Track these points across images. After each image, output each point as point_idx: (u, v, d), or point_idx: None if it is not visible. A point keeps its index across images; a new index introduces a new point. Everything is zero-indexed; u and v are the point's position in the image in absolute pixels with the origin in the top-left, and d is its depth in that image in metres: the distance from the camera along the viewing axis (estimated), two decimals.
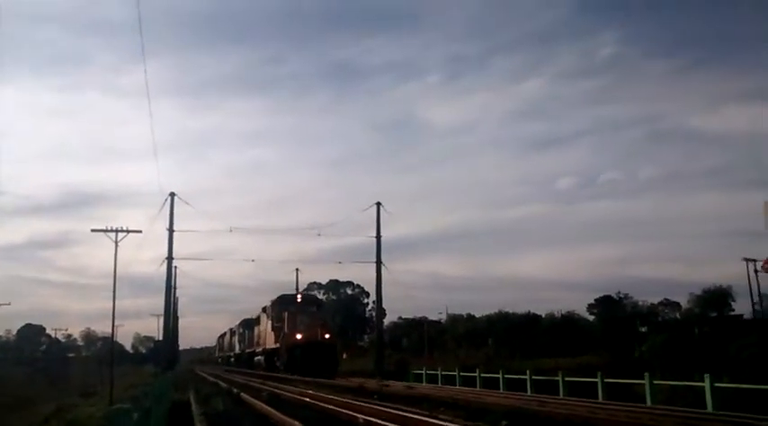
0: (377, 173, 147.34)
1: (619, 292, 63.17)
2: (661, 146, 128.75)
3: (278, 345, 37.87)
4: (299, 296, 42.66)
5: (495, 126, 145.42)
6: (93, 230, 34.56)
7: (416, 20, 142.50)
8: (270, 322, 40.55)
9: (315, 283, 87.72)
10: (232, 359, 66.15)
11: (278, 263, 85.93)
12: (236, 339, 64.22)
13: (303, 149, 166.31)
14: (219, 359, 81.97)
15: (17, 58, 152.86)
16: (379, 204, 46.29)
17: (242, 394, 19.52)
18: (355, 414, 11.70)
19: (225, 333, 77.45)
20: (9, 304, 74.60)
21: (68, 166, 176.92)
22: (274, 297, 44.39)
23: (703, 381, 14.02)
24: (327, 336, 35.19)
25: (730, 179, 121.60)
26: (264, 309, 44.20)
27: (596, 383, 17.50)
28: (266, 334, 42.35)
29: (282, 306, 39.35)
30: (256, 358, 47.35)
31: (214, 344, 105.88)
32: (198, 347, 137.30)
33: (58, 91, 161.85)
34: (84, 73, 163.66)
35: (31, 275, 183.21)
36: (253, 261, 55.73)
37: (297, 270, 60.17)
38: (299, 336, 34.48)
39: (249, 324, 54.22)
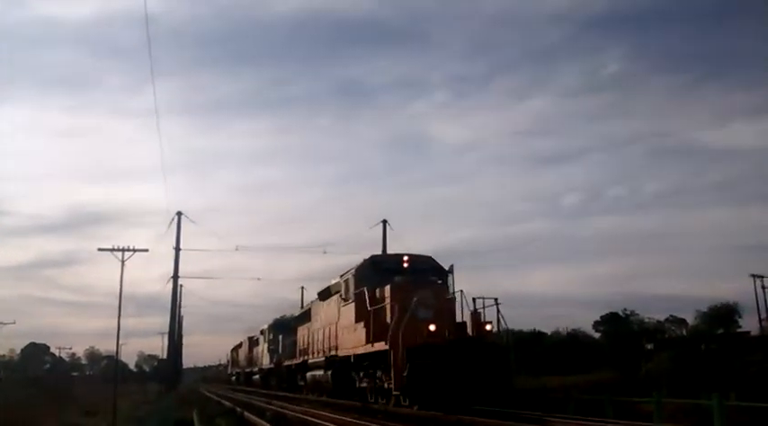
0: (383, 190, 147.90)
1: (625, 309, 62.74)
2: (667, 162, 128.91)
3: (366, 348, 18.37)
4: (404, 258, 19.27)
5: (501, 143, 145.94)
6: (99, 249, 34.50)
7: (422, 39, 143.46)
8: (351, 306, 20.34)
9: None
10: (255, 376, 48.02)
11: (284, 281, 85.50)
12: (260, 349, 46.08)
13: (310, 168, 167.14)
14: (234, 377, 66.36)
15: (27, 79, 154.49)
16: (385, 222, 46.12)
17: None
18: None
19: (240, 344, 61.34)
20: (14, 322, 74.75)
21: (76, 186, 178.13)
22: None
23: (710, 399, 13.93)
24: (488, 327, 17.38)
25: (737, 194, 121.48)
26: (326, 292, 24.77)
27: (602, 401, 17.36)
28: (339, 332, 22.11)
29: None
30: (311, 374, 26.99)
31: (219, 362, 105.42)
32: (202, 365, 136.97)
33: (66, 111, 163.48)
34: (93, 94, 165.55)
35: (36, 294, 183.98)
36: (259, 279, 55.78)
37: (302, 288, 59.67)
38: (432, 327, 16.36)
39: (286, 325, 36.77)
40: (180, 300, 53.22)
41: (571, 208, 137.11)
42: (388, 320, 17.09)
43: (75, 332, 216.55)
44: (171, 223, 46.64)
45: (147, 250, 35.20)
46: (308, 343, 27.93)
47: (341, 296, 21.78)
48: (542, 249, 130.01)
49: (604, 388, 19.46)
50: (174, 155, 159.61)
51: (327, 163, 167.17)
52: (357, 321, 19.29)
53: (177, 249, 46.60)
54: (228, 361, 78.41)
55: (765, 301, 48.66)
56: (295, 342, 31.42)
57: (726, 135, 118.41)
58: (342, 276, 21.81)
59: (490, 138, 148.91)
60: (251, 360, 51.66)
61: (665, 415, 14.47)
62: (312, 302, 28.96)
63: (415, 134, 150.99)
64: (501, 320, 17.37)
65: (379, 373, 18.14)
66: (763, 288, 47.79)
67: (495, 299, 17.46)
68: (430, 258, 19.95)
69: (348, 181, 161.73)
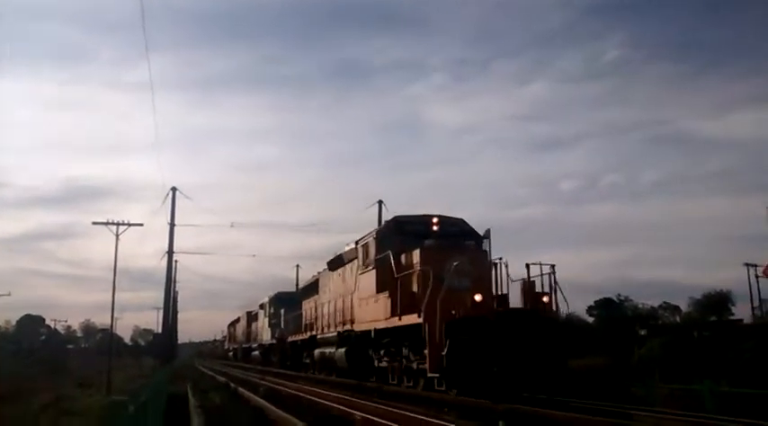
0: (380, 172, 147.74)
1: (619, 294, 63.09)
2: (664, 150, 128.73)
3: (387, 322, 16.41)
4: (434, 220, 16.91)
5: (500, 127, 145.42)
6: (93, 223, 34.56)
7: (422, 21, 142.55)
8: (371, 274, 17.83)
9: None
10: (255, 352, 46.99)
11: (279, 259, 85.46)
12: (260, 324, 44.69)
13: (305, 147, 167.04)
14: (231, 353, 66.68)
15: (22, 52, 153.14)
16: (380, 202, 45.78)
17: None
18: (351, 411, 11.51)
19: (238, 319, 60.21)
20: (9, 294, 74.93)
21: (72, 159, 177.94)
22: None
23: (701, 385, 14.01)
24: (545, 299, 14.63)
25: (733, 183, 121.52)
26: (338, 260, 22.19)
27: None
28: (355, 304, 19.55)
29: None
30: (319, 351, 24.44)
31: (214, 338, 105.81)
32: (197, 341, 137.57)
33: (62, 84, 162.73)
34: (88, 67, 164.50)
35: (32, 266, 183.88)
36: (254, 256, 55.40)
37: (297, 266, 59.73)
38: (478, 297, 14.16)
39: (289, 299, 36.40)
40: (175, 275, 53.33)
41: (569, 194, 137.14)
42: (416, 289, 14.90)
43: (71, 304, 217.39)
44: (165, 198, 46.53)
45: (141, 224, 35.26)
46: (316, 317, 25.66)
47: (358, 263, 19.16)
48: (539, 234, 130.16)
49: (598, 373, 19.55)
50: (168, 130, 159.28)
51: (323, 142, 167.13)
52: (379, 291, 16.83)
53: (172, 224, 46.54)
54: (225, 337, 77.50)
55: (759, 290, 48.87)
56: (300, 317, 29.50)
57: (724, 124, 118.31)
58: (358, 241, 19.28)
59: (489, 122, 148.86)
60: (249, 336, 51.00)
61: (658, 400, 14.55)
62: (320, 273, 26.47)
63: (413, 116, 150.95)
64: (559, 291, 14.45)
65: (405, 351, 15.85)
66: (757, 277, 47.95)
67: (552, 266, 14.38)
68: (462, 220, 17.44)
69: (344, 162, 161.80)
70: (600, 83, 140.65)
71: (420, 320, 14.00)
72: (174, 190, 46.51)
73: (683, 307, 62.89)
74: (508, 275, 15.39)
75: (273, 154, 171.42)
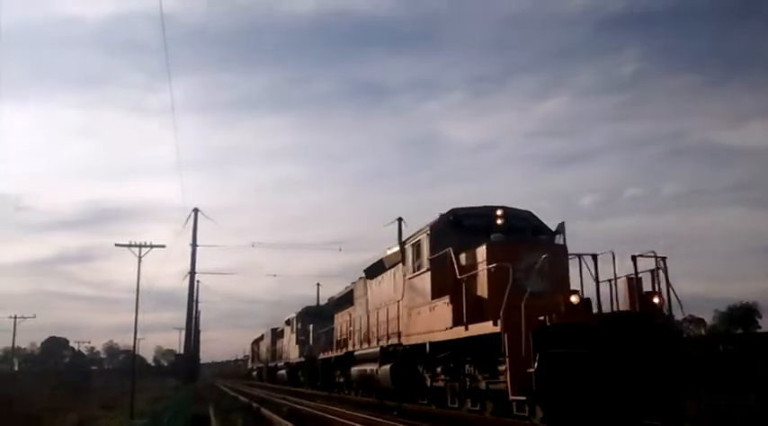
0: (399, 189, 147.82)
1: None
2: (684, 162, 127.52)
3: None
4: (498, 212, 14.34)
5: (518, 143, 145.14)
6: (116, 245, 34.80)
7: (439, 40, 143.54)
8: (425, 277, 15.18)
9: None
10: (281, 371, 44.15)
11: (300, 278, 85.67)
12: (285, 341, 42.74)
13: (327, 166, 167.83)
14: (255, 372, 63.69)
15: (47, 78, 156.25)
16: (400, 219, 45.74)
17: None
18: None
19: (262, 337, 57.58)
20: (34, 316, 75.38)
21: (95, 183, 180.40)
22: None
23: (729, 399, 13.76)
24: (656, 300, 11.39)
25: (754, 195, 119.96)
26: (378, 266, 19.99)
27: None
28: (402, 313, 17.13)
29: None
30: (357, 369, 21.88)
31: (236, 358, 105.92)
32: (219, 361, 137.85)
33: (85, 109, 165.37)
34: (111, 92, 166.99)
35: (55, 289, 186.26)
36: (275, 276, 55.78)
37: (318, 284, 59.72)
38: (575, 299, 10.97)
39: (319, 313, 34.54)
40: (197, 296, 53.58)
41: (589, 209, 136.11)
42: (482, 293, 12.57)
43: (95, 326, 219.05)
44: (188, 219, 46.99)
45: (164, 246, 35.41)
46: (352, 332, 23.12)
47: (405, 267, 16.50)
48: None
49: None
50: (191, 152, 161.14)
51: (343, 162, 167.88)
52: (435, 296, 14.12)
53: (194, 245, 46.99)
54: (248, 355, 75.54)
55: None
56: (332, 332, 27.28)
57: (742, 135, 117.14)
58: (406, 241, 16.68)
59: (506, 138, 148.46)
60: (275, 354, 49.76)
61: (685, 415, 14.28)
62: (354, 283, 23.84)
63: (431, 133, 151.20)
64: (671, 292, 11.18)
65: (469, 368, 13.19)
66: None
67: (663, 259, 11.26)
68: (530, 213, 14.85)
69: (364, 180, 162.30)
70: (617, 96, 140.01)
71: (497, 329, 10.92)
72: (195, 211, 47.05)
73: (708, 320, 61.93)
74: (596, 274, 12.13)
75: (294, 174, 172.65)
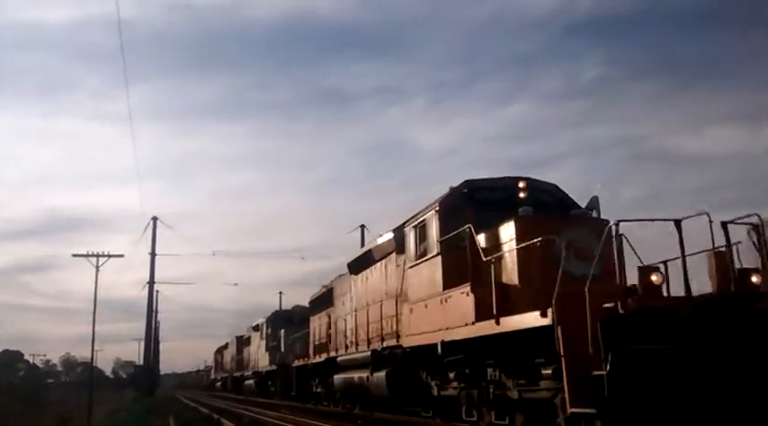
0: (362, 196, 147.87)
1: None
2: (644, 166, 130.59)
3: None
4: (520, 185, 12.09)
5: (482, 148, 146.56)
6: (73, 255, 34.27)
7: (404, 46, 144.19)
8: (435, 263, 12.22)
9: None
10: (248, 381, 41.97)
11: (262, 286, 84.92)
12: (253, 348, 40.69)
13: (288, 173, 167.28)
14: (219, 383, 60.46)
15: (3, 84, 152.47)
16: (363, 227, 45.81)
17: None
18: None
19: (226, 345, 55.15)
20: None
21: (52, 191, 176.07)
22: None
23: None
24: (755, 280, 8.44)
25: (711, 200, 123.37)
26: (364, 258, 17.69)
27: None
28: (400, 309, 14.29)
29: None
30: (342, 376, 19.04)
31: (197, 368, 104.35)
32: (180, 372, 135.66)
33: (43, 116, 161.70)
34: (69, 98, 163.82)
35: (10, 300, 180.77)
36: (236, 285, 55.36)
37: (280, 293, 59.37)
38: (656, 278, 8.15)
39: (290, 318, 33.62)
40: (156, 306, 52.85)
41: None
42: (508, 280, 10.41)
43: (51, 338, 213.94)
44: (146, 228, 46.37)
45: (122, 255, 35.02)
46: (332, 335, 20.82)
47: (406, 255, 13.78)
48: None
49: None
50: (150, 159, 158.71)
51: (305, 168, 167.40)
52: (449, 285, 11.44)
53: (153, 254, 46.47)
54: (211, 365, 72.81)
55: None
56: (307, 336, 24.74)
57: (701, 141, 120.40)
58: (405, 224, 13.83)
59: (471, 144, 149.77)
60: (241, 363, 47.00)
61: None
62: (334, 281, 21.55)
63: (395, 139, 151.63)
64: None
65: (493, 372, 10.74)
66: None
67: (758, 227, 8.68)
68: (556, 187, 12.67)
69: (326, 187, 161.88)
70: (579, 102, 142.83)
71: (546, 321, 8.37)
72: (154, 219, 46.48)
73: None
74: (682, 243, 8.85)
75: (255, 180, 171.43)
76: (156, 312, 55.63)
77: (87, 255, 33.62)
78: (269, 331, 35.85)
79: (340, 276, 20.37)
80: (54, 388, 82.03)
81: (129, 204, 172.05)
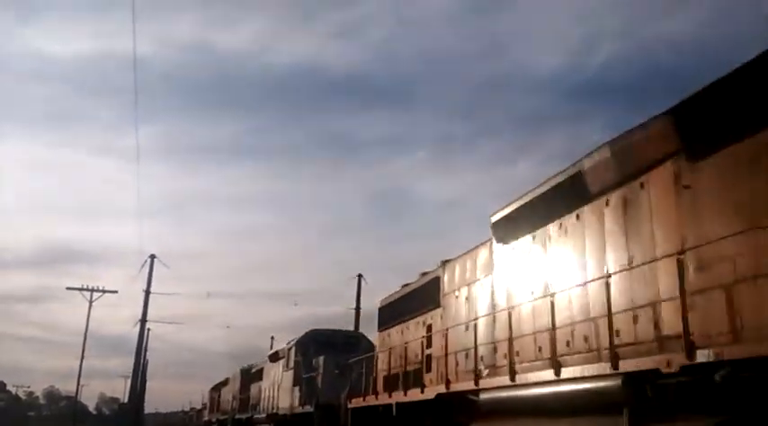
0: (362, 243, 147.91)
1: None
2: None
3: None
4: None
5: (485, 203, 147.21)
6: (67, 288, 34.19)
7: (410, 98, 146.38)
8: None
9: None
10: None
11: (255, 329, 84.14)
12: (269, 384, 28.63)
13: (289, 217, 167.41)
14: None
15: (11, 112, 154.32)
16: (360, 276, 46.00)
17: None
18: None
19: (226, 381, 44.39)
20: None
21: (51, 222, 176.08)
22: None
23: None
24: None
25: None
26: None
27: None
28: None
29: None
30: None
31: (182, 408, 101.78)
32: (164, 412, 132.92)
33: (49, 146, 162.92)
34: (76, 130, 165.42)
35: (1, 329, 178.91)
36: (228, 327, 54.69)
37: (272, 338, 58.38)
38: None
39: (327, 341, 22.93)
40: (146, 344, 52.15)
41: None
42: None
43: (37, 370, 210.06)
44: (143, 265, 46.18)
45: (116, 291, 34.88)
46: (446, 354, 11.50)
47: None
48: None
49: None
50: (154, 196, 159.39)
51: (307, 213, 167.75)
52: None
53: (147, 292, 46.02)
54: (206, 405, 59.47)
55: None
56: (371, 363, 16.76)
57: None
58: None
59: (473, 197, 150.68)
60: (247, 402, 36.00)
61: None
62: (443, 264, 13.88)
63: (398, 189, 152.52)
64: None
65: None
66: None
67: None
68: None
69: (327, 233, 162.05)
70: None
71: None
72: (152, 257, 46.30)
73: None
74: None
75: (255, 223, 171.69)
76: (146, 350, 54.93)
77: (81, 289, 33.53)
78: (298, 357, 24.97)
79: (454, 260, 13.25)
80: (34, 421, 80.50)
81: (128, 240, 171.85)
